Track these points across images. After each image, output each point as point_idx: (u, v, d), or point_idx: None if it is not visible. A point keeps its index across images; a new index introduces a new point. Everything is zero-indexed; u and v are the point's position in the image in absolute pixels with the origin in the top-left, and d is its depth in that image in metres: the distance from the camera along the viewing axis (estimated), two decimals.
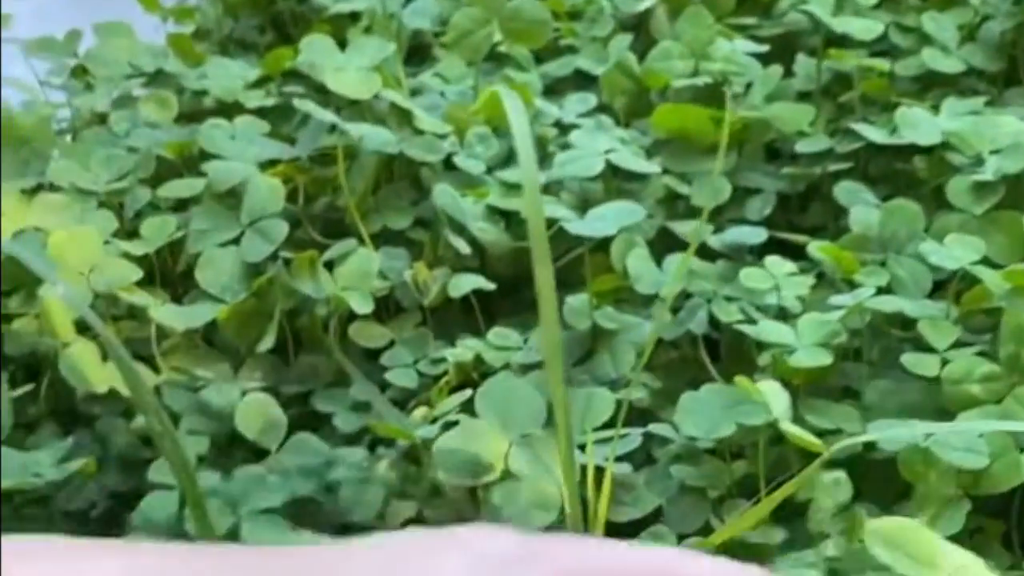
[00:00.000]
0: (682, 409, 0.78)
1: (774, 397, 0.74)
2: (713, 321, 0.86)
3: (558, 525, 0.73)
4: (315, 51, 0.98)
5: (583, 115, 0.99)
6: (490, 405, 0.76)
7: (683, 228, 0.94)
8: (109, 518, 0.88)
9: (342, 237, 0.96)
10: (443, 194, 0.91)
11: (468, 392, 0.83)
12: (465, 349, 0.86)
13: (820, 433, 0.76)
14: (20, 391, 0.84)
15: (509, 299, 0.95)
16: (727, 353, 0.88)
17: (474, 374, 0.87)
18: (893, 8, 1.08)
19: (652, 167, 0.93)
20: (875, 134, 0.94)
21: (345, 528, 0.81)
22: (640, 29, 1.08)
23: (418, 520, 0.81)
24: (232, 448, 0.87)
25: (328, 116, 0.92)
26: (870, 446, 0.76)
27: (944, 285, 0.85)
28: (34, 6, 1.62)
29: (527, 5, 1.01)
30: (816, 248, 0.85)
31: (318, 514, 0.82)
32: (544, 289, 0.69)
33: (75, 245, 0.88)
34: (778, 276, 0.84)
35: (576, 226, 0.85)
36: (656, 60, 1.01)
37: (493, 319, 0.92)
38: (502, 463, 0.75)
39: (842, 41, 1.05)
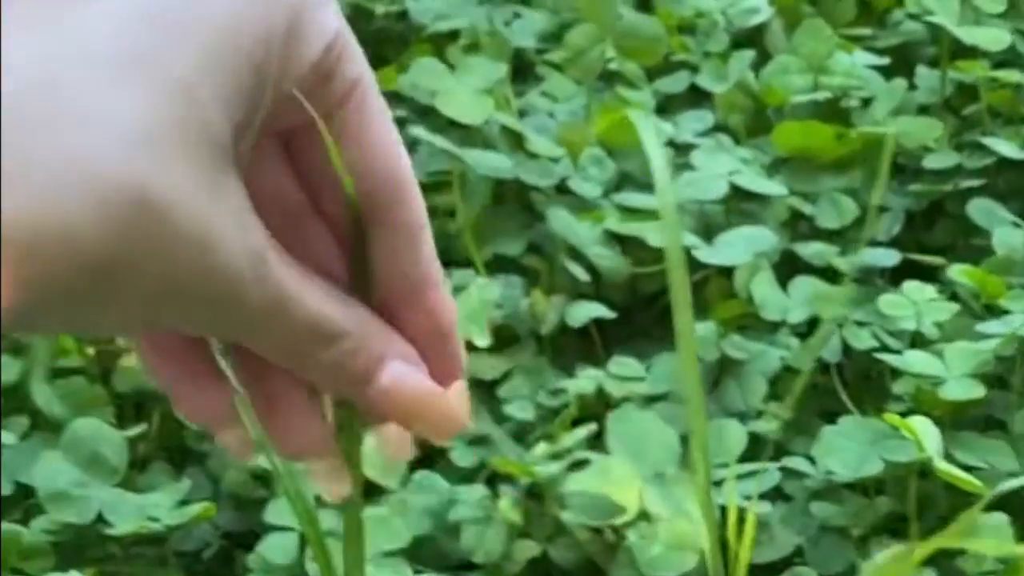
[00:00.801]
0: (823, 444, 0.75)
1: (925, 433, 0.70)
2: (845, 349, 0.83)
3: (699, 568, 0.70)
4: (424, 73, 0.95)
5: (701, 134, 0.96)
6: (621, 442, 0.74)
7: (808, 250, 0.90)
8: (223, 559, 0.86)
9: (453, 264, 0.93)
10: (559, 219, 0.88)
11: (592, 426, 0.80)
12: (586, 380, 0.83)
13: (968, 469, 0.72)
14: (134, 431, 0.82)
15: (624, 326, 0.92)
16: (855, 381, 0.84)
17: (597, 406, 0.84)
18: (1016, 16, 1.04)
19: (778, 188, 0.89)
20: (1007, 148, 0.90)
21: (468, 567, 0.78)
22: (754, 43, 1.04)
23: (543, 560, 0.79)
24: None
25: (442, 143, 0.89)
26: None
27: None
28: None
29: (642, 22, 0.98)
30: (958, 272, 0.81)
31: (440, 554, 0.79)
32: (683, 322, 0.65)
33: None
34: (919, 302, 0.80)
35: (706, 253, 0.82)
36: (774, 75, 0.98)
37: (608, 347, 0.89)
38: (636, 503, 0.71)
39: (964, 52, 1.01)
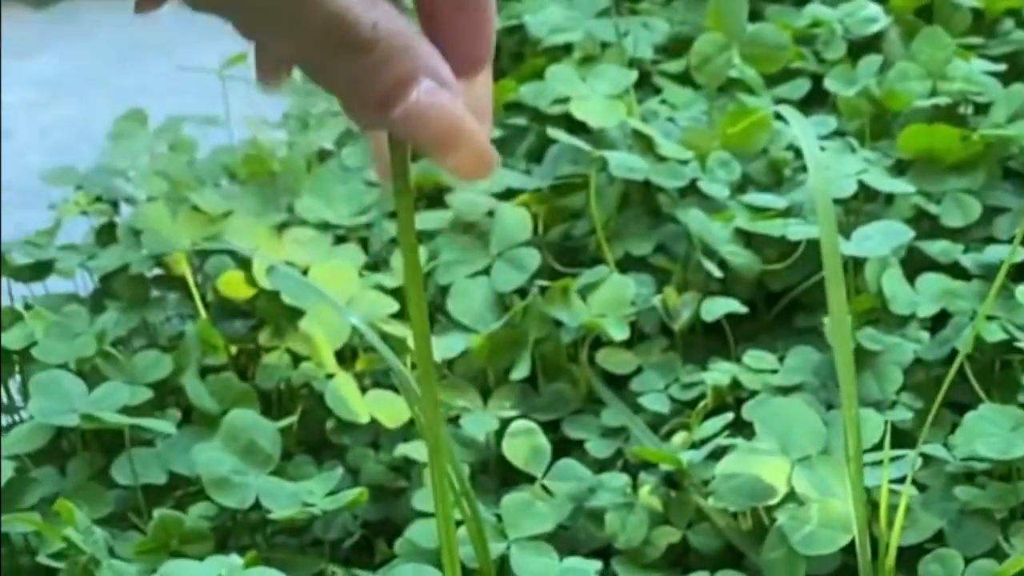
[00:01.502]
0: (967, 430, 0.76)
1: None
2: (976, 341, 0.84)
3: (847, 548, 0.72)
4: (561, 81, 0.98)
5: (824, 137, 0.98)
6: (769, 427, 0.76)
7: (933, 248, 0.92)
8: (363, 547, 0.89)
9: (580, 265, 0.96)
10: (695, 219, 0.91)
11: (729, 416, 0.83)
12: (720, 373, 0.85)
13: None
14: (283, 423, 0.85)
15: (752, 322, 0.94)
16: (984, 373, 0.86)
17: (729, 398, 0.86)
18: None
19: (906, 187, 0.91)
20: None
21: (609, 552, 0.80)
22: (870, 51, 1.06)
23: (682, 545, 0.81)
24: (485, 475, 0.88)
25: (581, 144, 0.92)
26: None
27: None
28: (226, 43, 1.66)
29: (767, 30, 1.00)
30: None
31: (582, 539, 0.81)
32: (837, 311, 0.68)
33: (334, 278, 0.89)
34: None
35: (846, 247, 0.84)
36: (895, 81, 1.00)
37: (737, 342, 0.92)
38: (785, 486, 0.73)
39: None
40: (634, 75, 0.99)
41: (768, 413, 0.76)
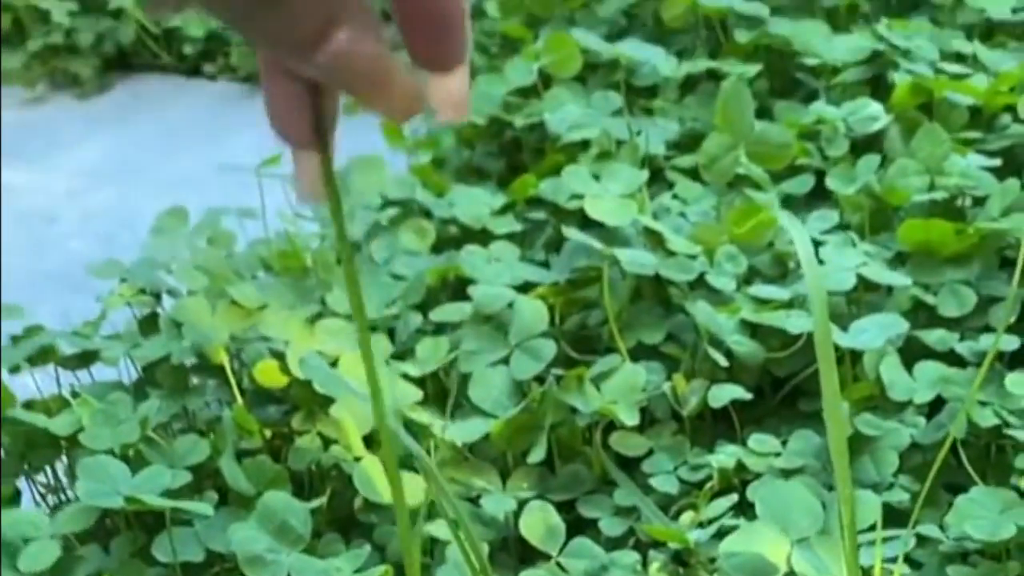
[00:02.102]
0: (959, 511, 0.81)
1: None
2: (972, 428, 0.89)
3: None
4: (577, 181, 1.04)
5: (826, 232, 1.03)
6: (770, 508, 0.80)
7: (930, 337, 0.97)
8: None
9: (594, 354, 1.01)
10: (702, 311, 0.96)
11: (734, 497, 0.87)
12: (726, 455, 0.90)
13: None
14: (314, 504, 0.90)
15: (756, 408, 0.99)
16: (978, 457, 0.90)
17: (735, 479, 0.91)
18: None
19: (903, 279, 0.96)
20: None
21: None
22: (872, 148, 1.12)
23: None
24: (504, 553, 0.93)
25: (593, 242, 0.98)
26: None
27: None
28: (257, 134, 1.74)
29: (772, 130, 1.06)
30: None
31: None
32: (831, 397, 0.72)
33: (360, 368, 0.94)
34: None
35: (843, 338, 0.89)
36: (895, 177, 1.05)
37: (743, 426, 0.96)
38: (785, 565, 0.78)
39: None
40: (645, 174, 1.05)
41: (769, 495, 0.81)
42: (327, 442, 0.96)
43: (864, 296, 1.01)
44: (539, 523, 0.87)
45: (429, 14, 0.46)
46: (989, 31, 1.35)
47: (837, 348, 0.92)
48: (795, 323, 0.95)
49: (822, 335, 0.71)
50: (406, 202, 1.21)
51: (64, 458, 0.98)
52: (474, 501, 0.92)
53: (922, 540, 0.83)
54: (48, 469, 0.99)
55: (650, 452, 0.95)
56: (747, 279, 1.04)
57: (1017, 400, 0.88)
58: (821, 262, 0.99)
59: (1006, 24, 1.34)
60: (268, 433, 1.00)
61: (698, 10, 1.31)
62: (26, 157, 1.83)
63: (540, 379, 0.96)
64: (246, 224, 1.23)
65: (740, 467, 0.90)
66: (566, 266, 1.03)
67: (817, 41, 1.25)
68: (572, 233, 0.99)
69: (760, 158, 1.07)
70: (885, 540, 0.80)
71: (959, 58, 1.23)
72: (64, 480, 0.99)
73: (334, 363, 0.96)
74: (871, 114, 1.11)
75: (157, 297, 1.08)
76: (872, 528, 0.82)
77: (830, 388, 0.72)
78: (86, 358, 1.04)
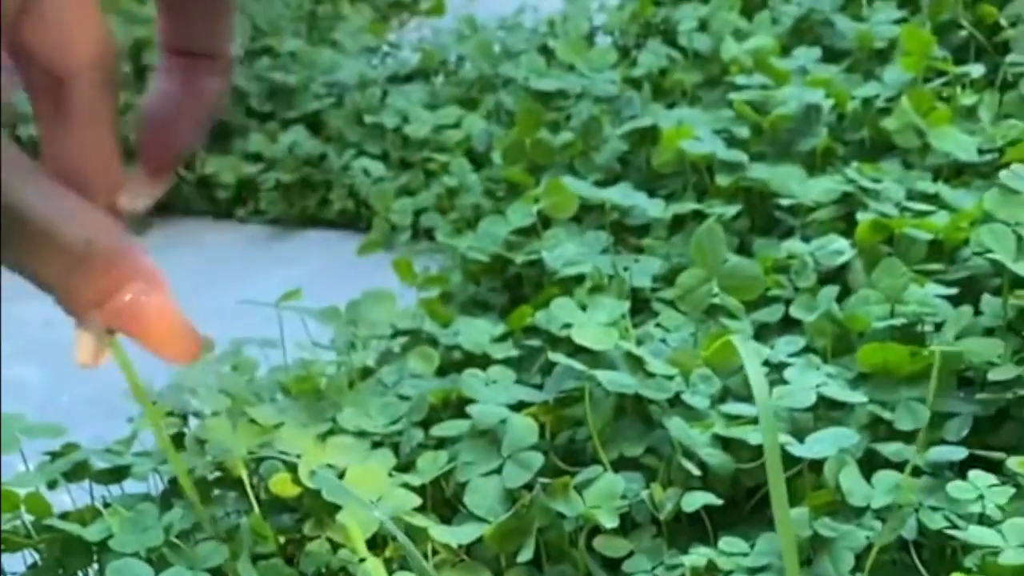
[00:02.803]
0: None
1: None
2: (921, 528, 0.98)
3: None
4: (564, 312, 1.14)
5: (793, 355, 1.13)
6: None
7: (888, 449, 1.06)
8: None
9: (581, 465, 1.10)
10: (676, 427, 1.05)
11: None
12: (698, 556, 0.99)
13: None
14: None
15: (729, 513, 1.07)
16: (931, 558, 0.98)
17: None
18: None
19: (859, 397, 1.06)
20: None
21: None
22: (838, 279, 1.22)
23: None
24: None
25: (577, 365, 1.08)
26: None
27: None
28: (285, 273, 1.85)
29: (743, 264, 1.16)
30: (1016, 463, 0.96)
31: None
32: (779, 501, 0.82)
33: (367, 478, 1.04)
34: (982, 488, 0.95)
35: (798, 449, 0.98)
36: (856, 306, 1.15)
37: (716, 530, 1.05)
38: None
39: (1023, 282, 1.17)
40: (627, 305, 1.15)
41: None
42: (336, 546, 1.05)
43: (828, 413, 1.10)
44: None
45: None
46: (958, 171, 1.46)
47: (798, 459, 1.01)
48: (758, 437, 1.04)
49: (771, 453, 0.81)
50: (414, 331, 1.31)
51: (96, 564, 1.07)
52: None
53: None
54: (81, 575, 1.08)
55: (631, 553, 1.04)
56: (721, 398, 1.13)
57: (963, 504, 0.97)
58: (786, 382, 1.08)
59: (974, 165, 1.45)
60: (282, 539, 1.09)
61: (685, 157, 1.43)
62: None
63: (529, 487, 1.05)
64: (268, 353, 1.34)
65: (711, 566, 0.98)
66: (555, 387, 1.13)
67: (793, 183, 1.36)
68: (558, 357, 1.09)
69: (733, 290, 1.17)
70: None
71: (925, 197, 1.34)
72: None
73: (342, 475, 1.06)
74: (837, 249, 1.21)
75: (184, 418, 1.18)
76: None
77: (778, 493, 0.82)
78: (117, 473, 1.14)
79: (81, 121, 0.48)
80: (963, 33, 1.71)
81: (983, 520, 0.96)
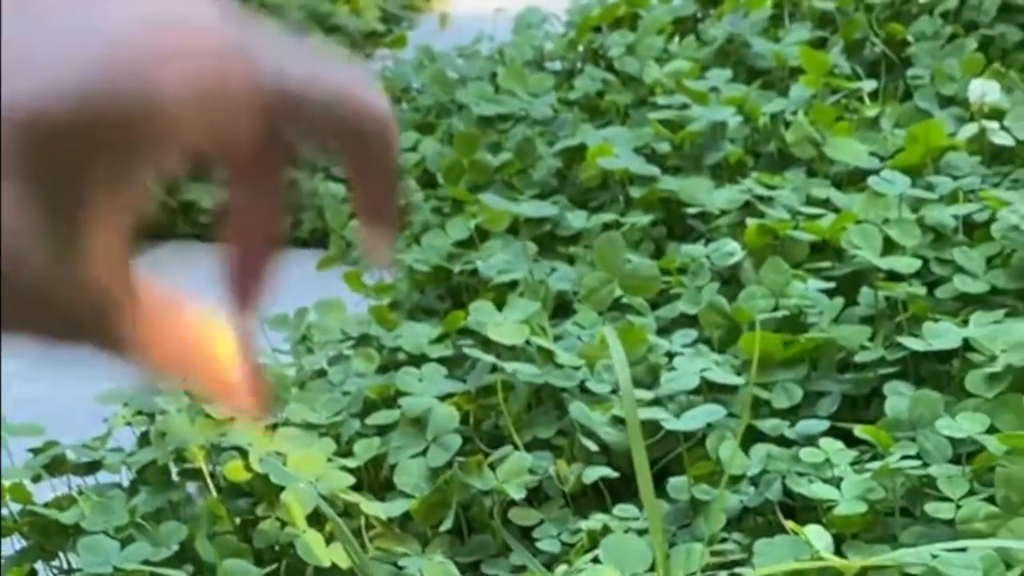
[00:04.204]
0: (757, 553, 1.03)
1: (817, 537, 0.99)
2: (789, 492, 1.12)
3: None
4: (481, 312, 1.29)
5: (686, 345, 1.27)
6: (609, 554, 1.03)
7: (765, 425, 1.20)
8: None
9: (502, 447, 1.25)
10: (577, 410, 1.20)
11: (598, 552, 1.10)
12: (596, 521, 1.13)
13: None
14: (267, 570, 1.14)
15: (632, 485, 1.21)
16: (801, 516, 1.13)
17: (602, 539, 1.14)
18: (937, 247, 1.35)
19: (737, 379, 1.20)
20: (914, 344, 1.20)
21: None
22: (733, 278, 1.36)
23: None
24: None
25: (488, 358, 1.22)
26: (907, 575, 1.00)
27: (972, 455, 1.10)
28: (280, 290, 2.00)
29: (641, 266, 1.31)
30: (860, 430, 1.11)
31: None
32: (642, 469, 0.96)
33: (307, 462, 1.19)
34: (830, 452, 1.10)
35: (673, 423, 1.13)
36: (744, 300, 1.30)
37: (618, 501, 1.19)
38: None
39: (895, 275, 1.32)
40: (539, 305, 1.30)
41: (611, 544, 1.04)
42: (284, 524, 1.20)
43: (717, 396, 1.24)
44: (439, 573, 1.10)
45: (383, 171, 0.47)
46: (861, 177, 1.60)
47: (688, 437, 1.16)
48: (657, 416, 1.19)
49: (631, 419, 0.95)
50: (362, 336, 1.46)
51: (72, 543, 1.22)
52: (398, 566, 1.16)
53: None
54: (61, 554, 1.23)
55: (541, 522, 1.18)
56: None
57: (823, 468, 1.11)
58: (675, 368, 1.23)
59: (873, 171, 1.59)
60: (239, 520, 1.24)
61: (606, 172, 1.58)
62: None
63: (451, 467, 1.19)
64: None
65: (605, 529, 1.13)
66: (476, 380, 1.27)
67: (701, 193, 1.50)
68: (475, 352, 1.24)
69: (633, 289, 1.32)
70: None
71: (819, 203, 1.48)
72: (75, 561, 1.22)
73: (287, 461, 1.20)
74: (729, 251, 1.36)
75: (151, 417, 1.33)
76: (704, 570, 1.04)
77: (640, 459, 0.96)
78: (92, 466, 1.28)
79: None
80: (877, 50, 1.86)
81: (834, 481, 1.10)
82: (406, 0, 2.87)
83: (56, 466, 1.27)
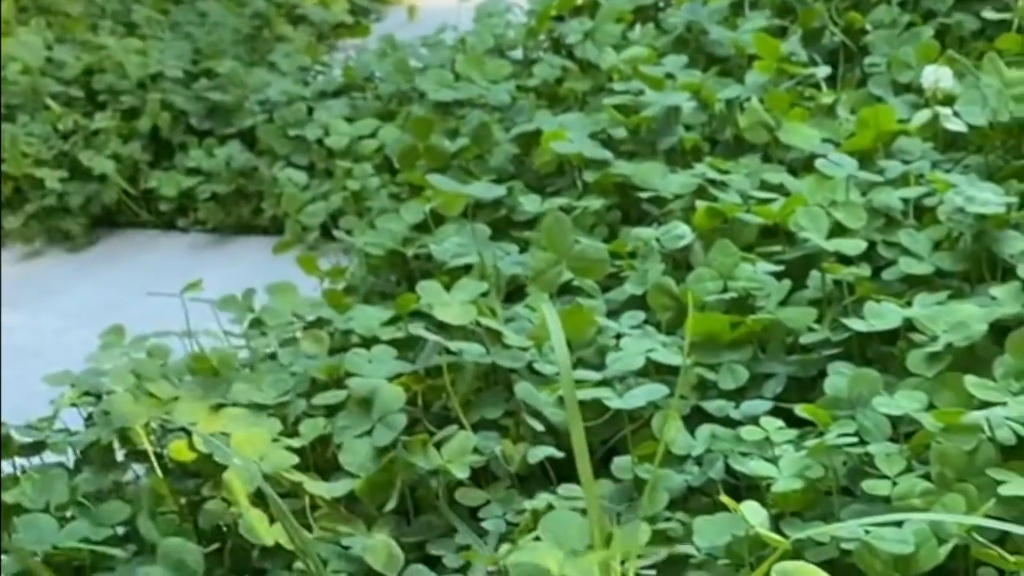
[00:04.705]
0: (697, 530, 1.04)
1: (752, 513, 0.99)
2: (732, 471, 1.12)
3: None
4: (429, 293, 1.29)
5: (634, 327, 1.27)
6: (549, 531, 1.03)
7: (711, 406, 1.20)
8: None
9: (447, 425, 1.25)
10: (523, 390, 1.20)
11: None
12: (540, 501, 1.13)
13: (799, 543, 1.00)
14: (209, 549, 1.14)
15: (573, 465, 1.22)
16: (745, 495, 1.13)
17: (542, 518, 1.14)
18: (886, 230, 1.35)
19: (680, 360, 1.20)
20: (858, 325, 1.21)
21: None
22: (684, 261, 1.37)
23: None
24: None
25: (435, 338, 1.22)
26: (844, 551, 1.00)
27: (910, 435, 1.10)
28: (222, 275, 1.99)
29: (589, 248, 1.31)
30: (800, 408, 1.11)
31: None
32: (579, 446, 0.96)
33: (250, 442, 1.18)
34: (770, 430, 1.10)
35: (615, 402, 1.13)
36: (692, 283, 1.30)
37: (566, 480, 1.19)
38: (558, 570, 1.00)
39: (847, 258, 1.32)
40: (485, 286, 1.30)
41: (551, 521, 1.04)
42: (229, 504, 1.20)
43: (664, 377, 1.24)
44: (381, 551, 1.09)
45: None
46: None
47: (632, 414, 1.16)
48: (603, 396, 1.18)
49: (569, 398, 0.95)
50: (315, 320, 1.46)
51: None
52: (342, 545, 1.15)
53: (676, 556, 1.05)
54: (6, 535, 1.22)
55: (487, 502, 1.18)
56: (575, 366, 1.27)
57: (764, 447, 1.11)
58: (621, 348, 1.23)
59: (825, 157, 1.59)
60: (184, 501, 1.23)
61: (561, 158, 1.58)
62: (22, 303, 2.11)
63: (396, 446, 1.19)
64: (190, 344, 1.48)
65: (549, 508, 1.13)
66: (424, 360, 1.27)
67: (655, 178, 1.50)
68: (421, 331, 1.24)
69: (581, 271, 1.32)
70: (640, 556, 1.02)
71: (771, 187, 1.48)
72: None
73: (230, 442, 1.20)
74: (678, 234, 1.36)
75: (98, 398, 1.32)
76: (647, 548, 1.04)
77: (577, 438, 0.96)
78: (36, 447, 1.28)
79: None
80: (836, 38, 1.86)
81: (774, 460, 1.10)
82: None
83: (2, 447, 1.27)
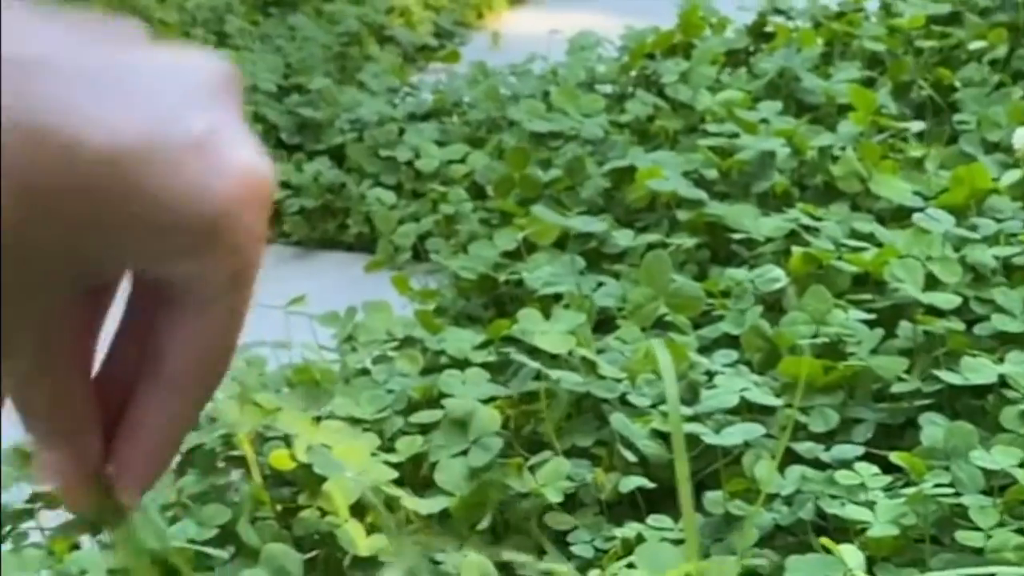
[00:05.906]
0: (790, 568, 1.06)
1: (849, 556, 1.02)
2: (821, 513, 1.15)
3: None
4: (529, 320, 1.32)
5: (726, 365, 1.30)
6: (644, 559, 1.06)
7: (801, 448, 1.23)
8: None
9: (540, 451, 1.28)
10: (618, 421, 1.23)
11: (632, 558, 1.13)
12: (630, 529, 1.16)
13: None
14: (307, 556, 1.17)
15: (667, 498, 1.25)
16: (832, 538, 1.15)
17: (637, 547, 1.17)
18: (976, 286, 1.38)
19: (776, 401, 1.23)
20: (951, 378, 1.23)
21: None
22: (776, 304, 1.39)
23: None
24: None
25: (535, 364, 1.25)
26: None
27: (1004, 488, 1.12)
28: (302, 287, 2.03)
29: (686, 285, 1.34)
30: (895, 456, 1.13)
31: None
32: (682, 478, 0.99)
33: (352, 455, 1.22)
34: (865, 476, 1.13)
35: (712, 438, 1.16)
36: (785, 325, 1.32)
37: (652, 511, 1.22)
38: None
39: (939, 311, 1.34)
40: (584, 317, 1.33)
41: (646, 551, 1.07)
42: (324, 514, 1.23)
43: (756, 416, 1.27)
44: (475, 569, 1.13)
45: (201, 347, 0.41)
46: (906, 213, 1.63)
47: (724, 454, 1.19)
48: (696, 431, 1.21)
49: (676, 430, 0.98)
50: (407, 338, 1.49)
51: None
52: (435, 561, 1.19)
53: None
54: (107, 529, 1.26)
55: (575, 528, 1.21)
56: (663, 399, 1.30)
57: (855, 491, 1.14)
58: (715, 386, 1.26)
59: (916, 209, 1.61)
60: (280, 508, 1.27)
61: (655, 194, 1.61)
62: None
63: (491, 468, 1.22)
64: (281, 355, 1.52)
65: (640, 538, 1.16)
66: (519, 385, 1.30)
67: (747, 220, 1.53)
68: (521, 357, 1.27)
69: (677, 307, 1.35)
70: None
71: (862, 236, 1.51)
72: None
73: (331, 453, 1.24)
74: (773, 277, 1.39)
75: None
76: None
77: (681, 471, 0.98)
78: None
79: None
80: (924, 93, 1.89)
81: (868, 504, 1.12)
82: (459, 16, 2.91)
83: None
